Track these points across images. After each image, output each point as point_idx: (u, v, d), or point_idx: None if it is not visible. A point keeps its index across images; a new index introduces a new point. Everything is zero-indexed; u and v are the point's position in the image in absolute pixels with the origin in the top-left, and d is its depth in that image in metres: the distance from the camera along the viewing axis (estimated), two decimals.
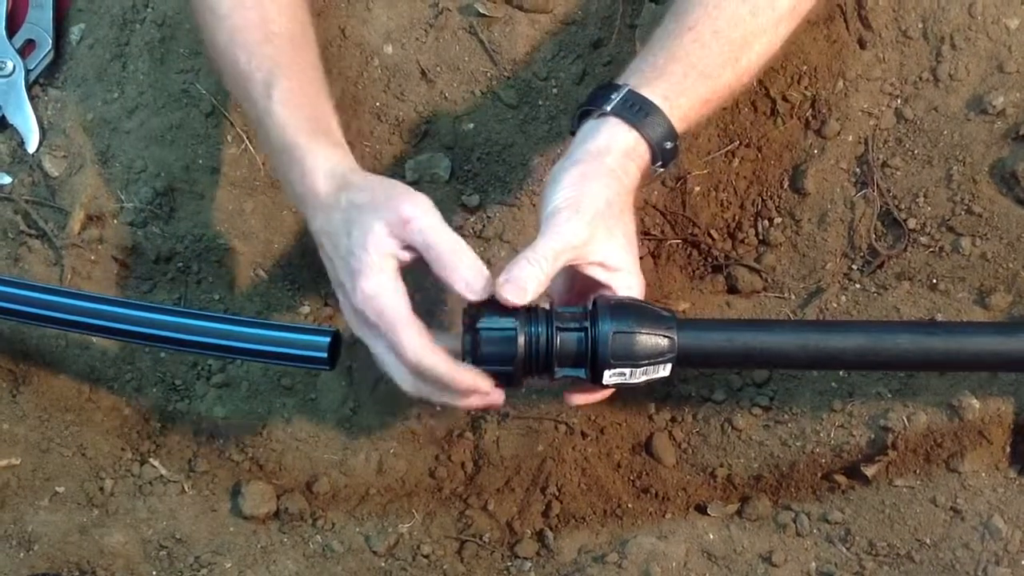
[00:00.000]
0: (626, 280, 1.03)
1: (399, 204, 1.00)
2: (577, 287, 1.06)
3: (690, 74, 1.07)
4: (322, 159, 1.05)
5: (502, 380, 1.01)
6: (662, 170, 1.09)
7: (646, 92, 1.06)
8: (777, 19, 1.11)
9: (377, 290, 0.99)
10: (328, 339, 1.11)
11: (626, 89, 1.06)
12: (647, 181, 1.09)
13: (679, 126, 1.07)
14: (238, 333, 1.14)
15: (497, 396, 1.02)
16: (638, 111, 1.05)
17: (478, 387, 1.00)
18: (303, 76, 1.12)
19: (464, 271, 0.99)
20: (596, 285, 1.04)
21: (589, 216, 1.00)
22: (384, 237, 0.99)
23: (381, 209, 1.00)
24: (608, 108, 1.05)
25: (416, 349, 0.98)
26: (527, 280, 0.98)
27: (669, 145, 1.06)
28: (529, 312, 1.00)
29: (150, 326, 1.15)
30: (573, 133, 1.10)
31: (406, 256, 1.01)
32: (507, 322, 0.99)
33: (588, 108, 1.08)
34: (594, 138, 1.05)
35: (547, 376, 1.01)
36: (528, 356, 0.99)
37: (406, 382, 1.02)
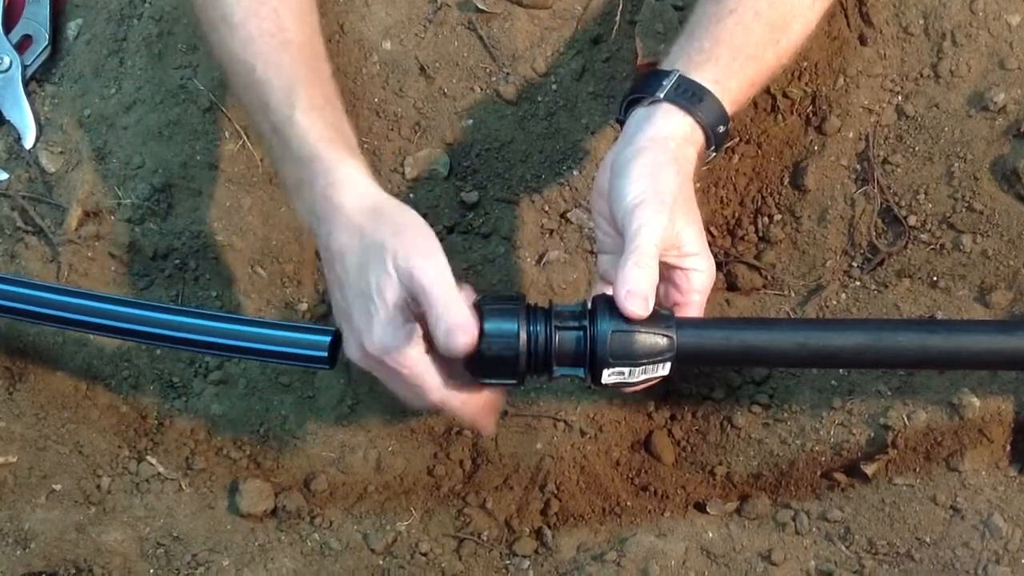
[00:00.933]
0: (701, 263, 1.04)
1: (412, 258, 0.98)
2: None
3: (737, 57, 1.08)
4: (354, 173, 1.03)
5: (504, 377, 1.01)
6: (714, 155, 1.09)
7: (696, 77, 1.06)
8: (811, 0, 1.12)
9: (395, 343, 0.98)
10: (329, 338, 1.11)
11: (677, 75, 1.06)
12: (701, 166, 1.10)
13: (730, 109, 1.07)
14: (238, 332, 1.13)
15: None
16: (691, 96, 1.05)
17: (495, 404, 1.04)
18: (324, 87, 1.10)
19: (448, 323, 0.96)
20: (670, 270, 1.04)
21: (670, 205, 1.00)
22: (397, 284, 0.98)
23: (399, 245, 0.98)
24: (661, 95, 1.05)
25: (442, 396, 1.00)
26: (645, 286, 0.98)
27: (722, 129, 1.07)
28: (528, 310, 1.00)
29: (149, 324, 1.14)
30: (620, 122, 1.10)
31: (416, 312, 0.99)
32: (509, 323, 0.99)
33: (638, 95, 1.08)
34: (652, 125, 1.05)
35: (546, 375, 1.00)
36: (527, 355, 0.99)
37: (422, 407, 1.04)
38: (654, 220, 0.99)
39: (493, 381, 1.02)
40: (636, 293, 0.97)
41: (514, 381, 1.01)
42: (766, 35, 1.09)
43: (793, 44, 1.12)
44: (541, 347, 0.98)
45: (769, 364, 1.23)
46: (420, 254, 0.98)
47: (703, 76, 1.06)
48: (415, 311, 0.98)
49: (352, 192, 1.02)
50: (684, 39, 1.11)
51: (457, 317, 0.95)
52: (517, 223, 1.33)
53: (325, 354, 1.10)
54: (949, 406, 1.19)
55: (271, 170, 1.33)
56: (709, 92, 1.06)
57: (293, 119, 1.05)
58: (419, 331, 0.99)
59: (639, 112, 1.07)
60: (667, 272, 1.04)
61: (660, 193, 1.01)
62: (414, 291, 0.97)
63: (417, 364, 0.99)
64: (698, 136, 1.06)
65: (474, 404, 1.03)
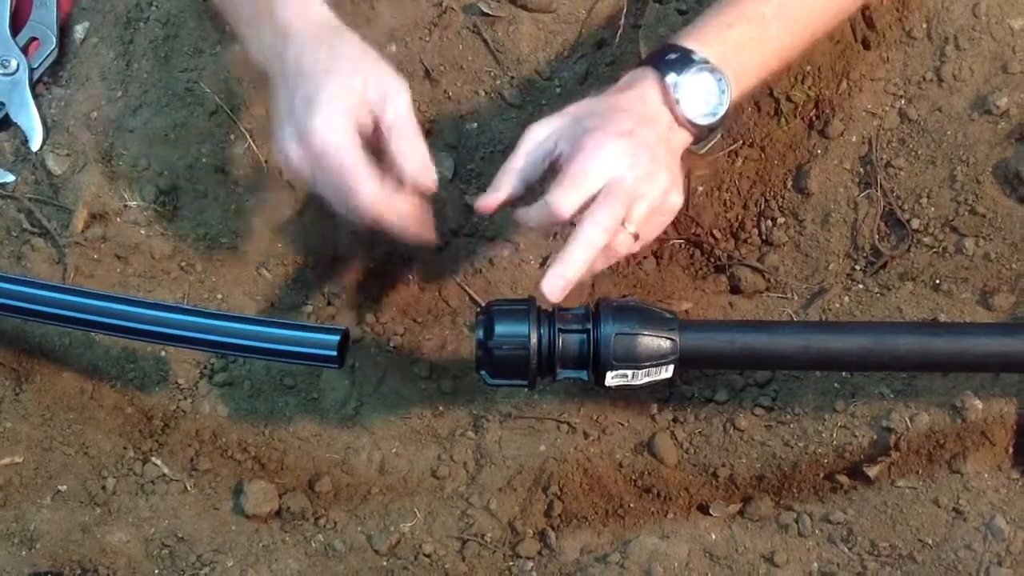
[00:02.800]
0: (596, 138, 1.02)
1: (386, 77, 1.03)
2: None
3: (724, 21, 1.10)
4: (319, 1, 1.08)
5: (514, 380, 1.02)
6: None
7: (680, 41, 1.08)
8: None
9: (343, 137, 1.01)
10: (338, 337, 1.11)
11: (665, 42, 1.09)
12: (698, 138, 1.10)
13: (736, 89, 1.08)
14: (247, 331, 1.14)
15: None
16: (666, 56, 1.07)
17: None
18: None
19: (414, 162, 1.03)
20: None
21: (559, 113, 1.04)
22: (357, 95, 1.01)
23: (367, 72, 1.03)
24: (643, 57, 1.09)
25: (373, 198, 1.02)
26: (498, 182, 1.04)
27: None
28: (536, 313, 1.01)
29: (157, 324, 1.14)
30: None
31: (364, 125, 1.03)
32: (520, 325, 0.99)
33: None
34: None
35: (549, 377, 1.01)
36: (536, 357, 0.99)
37: (353, 218, 1.05)
38: (532, 127, 1.04)
39: (503, 383, 1.03)
40: (491, 189, 1.04)
41: (524, 383, 1.01)
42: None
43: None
44: (545, 349, 0.99)
45: (772, 367, 1.23)
46: (395, 84, 1.03)
47: (685, 40, 1.08)
48: (367, 133, 1.02)
49: (312, 9, 1.07)
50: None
51: (426, 156, 1.03)
52: (521, 226, 1.33)
53: (335, 353, 1.11)
54: (951, 408, 1.20)
55: (276, 171, 1.34)
56: (683, 49, 1.07)
57: None
58: (360, 140, 1.02)
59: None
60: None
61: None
62: (388, 115, 1.02)
63: (356, 162, 1.01)
64: (647, 74, 1.07)
65: (402, 210, 1.05)
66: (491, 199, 1.04)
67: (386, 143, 1.04)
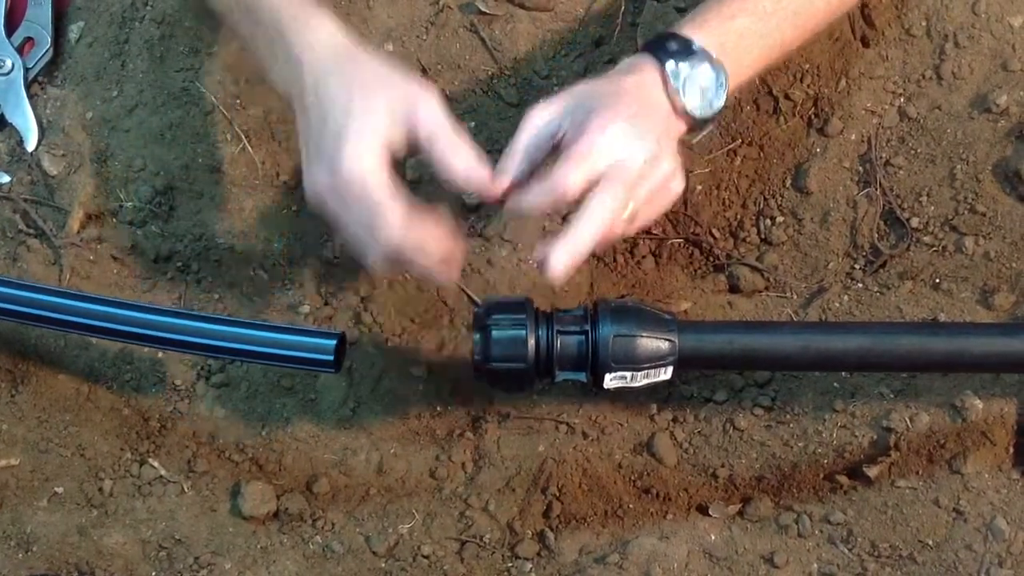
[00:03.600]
0: (599, 121, 1.00)
1: (409, 88, 1.00)
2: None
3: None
4: (328, 21, 1.05)
5: (512, 383, 1.01)
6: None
7: (681, 30, 1.07)
8: None
9: (369, 166, 0.97)
10: (334, 342, 1.10)
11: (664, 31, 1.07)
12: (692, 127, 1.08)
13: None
14: (242, 335, 1.13)
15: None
16: (667, 44, 1.05)
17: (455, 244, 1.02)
18: None
19: (459, 165, 0.99)
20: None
21: (560, 95, 1.01)
22: (385, 117, 0.98)
23: (388, 92, 0.99)
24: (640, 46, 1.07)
25: (401, 233, 0.98)
26: (503, 165, 0.99)
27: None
28: (535, 316, 1.00)
29: (152, 327, 1.14)
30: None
31: (399, 143, 1.00)
32: (518, 324, 0.99)
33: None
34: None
35: (548, 379, 1.01)
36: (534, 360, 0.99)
37: (378, 262, 1.01)
38: (534, 109, 1.01)
39: (501, 386, 1.02)
40: (496, 173, 0.99)
41: (522, 386, 1.01)
42: None
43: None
44: (544, 352, 0.99)
45: (771, 367, 1.23)
46: (419, 92, 1.00)
47: (686, 29, 1.07)
48: (405, 153, 1.00)
49: (327, 33, 1.04)
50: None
51: (471, 154, 0.99)
52: (520, 225, 1.33)
53: (331, 357, 1.10)
54: (952, 408, 1.19)
55: (272, 172, 1.33)
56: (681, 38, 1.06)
57: None
58: (389, 166, 0.99)
59: None
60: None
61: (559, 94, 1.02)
62: (421, 126, 0.98)
63: (384, 194, 0.98)
64: (646, 61, 1.05)
65: (432, 247, 1.01)
66: (499, 182, 1.00)
67: (428, 156, 1.00)
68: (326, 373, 1.20)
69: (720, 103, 1.07)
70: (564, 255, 0.96)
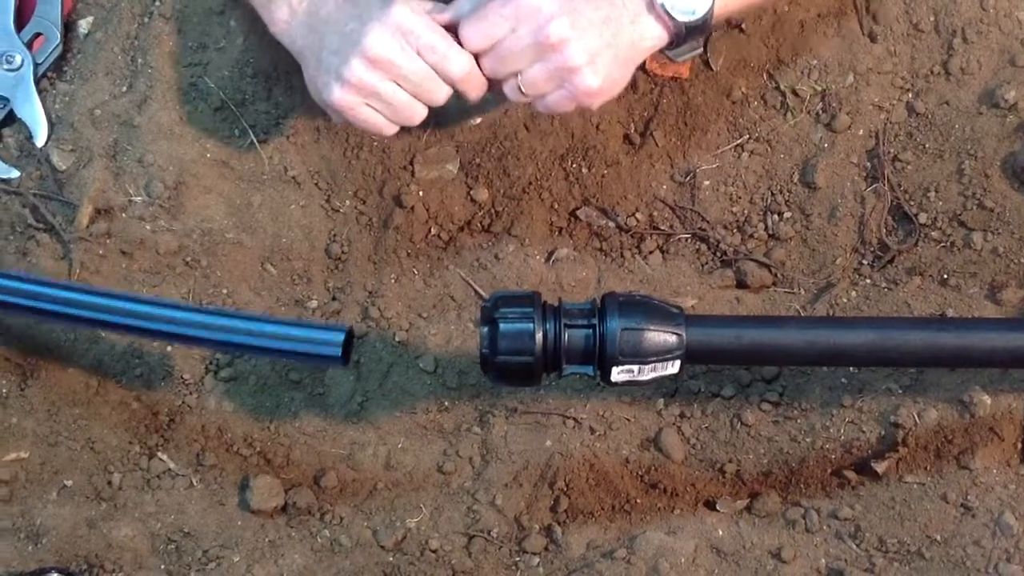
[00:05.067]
0: None
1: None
2: None
3: None
4: None
5: (520, 376, 1.01)
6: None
7: None
8: None
9: (418, 18, 1.08)
10: (342, 336, 1.10)
11: None
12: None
13: None
14: (250, 329, 1.13)
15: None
16: None
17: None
18: None
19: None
20: None
21: None
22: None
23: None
24: None
25: (467, 57, 1.08)
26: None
27: None
28: (543, 309, 1.00)
29: (161, 321, 1.14)
30: None
31: None
32: (526, 318, 0.99)
33: None
34: None
35: (555, 373, 1.01)
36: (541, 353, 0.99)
37: (443, 97, 1.12)
38: None
39: (508, 380, 1.02)
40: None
41: (529, 380, 1.01)
42: None
43: None
44: (551, 345, 0.99)
45: (779, 362, 1.23)
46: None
47: None
48: None
49: None
50: None
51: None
52: (526, 221, 1.33)
53: (339, 352, 1.10)
54: (960, 404, 1.19)
55: (279, 167, 1.33)
56: None
57: None
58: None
59: None
60: None
61: None
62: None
63: (441, 32, 1.08)
64: None
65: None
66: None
67: None
68: (334, 367, 1.20)
69: (704, 10, 1.04)
70: None
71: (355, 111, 1.11)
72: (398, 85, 1.10)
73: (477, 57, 1.09)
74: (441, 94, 1.11)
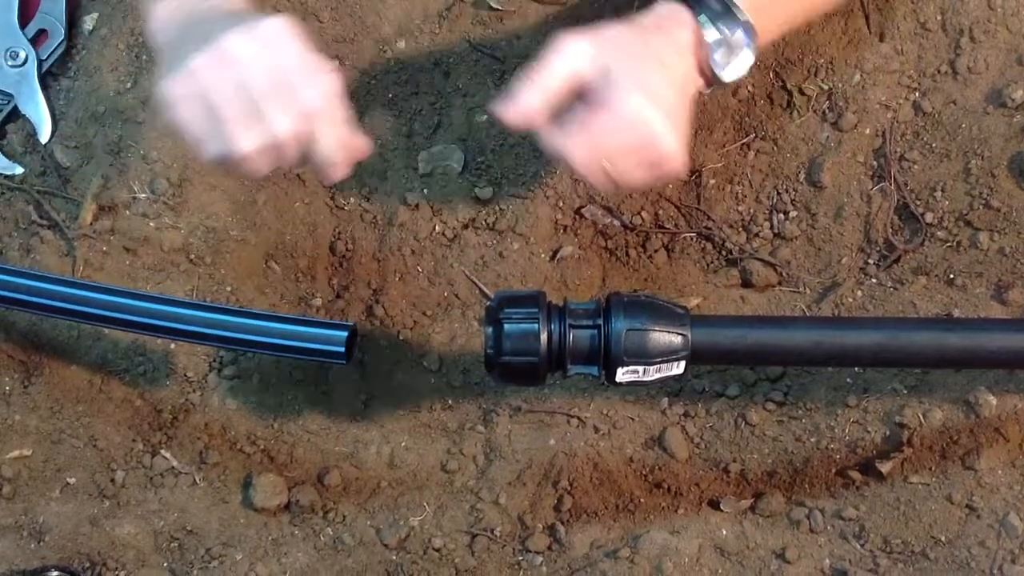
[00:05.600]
0: (615, 97, 0.98)
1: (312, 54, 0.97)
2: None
3: None
4: None
5: (524, 376, 1.01)
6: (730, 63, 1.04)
7: None
8: None
9: (286, 21, 0.95)
10: (346, 333, 1.11)
11: None
12: (703, 56, 1.05)
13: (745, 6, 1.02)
14: (254, 327, 1.13)
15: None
16: (716, 11, 1.02)
17: None
18: None
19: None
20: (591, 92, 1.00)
21: (596, 39, 0.99)
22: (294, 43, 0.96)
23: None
24: None
25: (325, 86, 0.95)
26: (526, 95, 0.97)
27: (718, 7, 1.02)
28: (545, 308, 1.00)
29: (165, 318, 1.14)
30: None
31: None
32: (530, 318, 0.99)
33: None
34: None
35: (560, 373, 1.01)
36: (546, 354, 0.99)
37: (285, 132, 0.94)
38: (566, 42, 0.98)
39: (513, 380, 1.02)
40: (514, 98, 0.97)
41: (534, 380, 1.01)
42: None
43: None
44: (556, 346, 0.99)
45: (784, 363, 1.23)
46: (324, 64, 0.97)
47: None
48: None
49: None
50: None
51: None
52: (531, 219, 1.33)
53: (342, 349, 1.11)
54: (965, 404, 1.19)
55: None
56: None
57: None
58: None
59: None
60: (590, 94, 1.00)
61: (589, 31, 0.99)
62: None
63: (312, 58, 0.95)
64: (684, 17, 1.02)
65: (344, 128, 0.98)
66: (514, 107, 0.98)
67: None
68: (336, 364, 1.20)
69: (747, 70, 1.04)
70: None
71: (180, 106, 0.94)
72: (236, 93, 0.93)
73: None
74: (279, 124, 0.93)
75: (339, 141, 0.97)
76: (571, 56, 0.99)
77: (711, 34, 1.02)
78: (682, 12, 1.03)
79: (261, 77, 0.93)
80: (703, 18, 1.02)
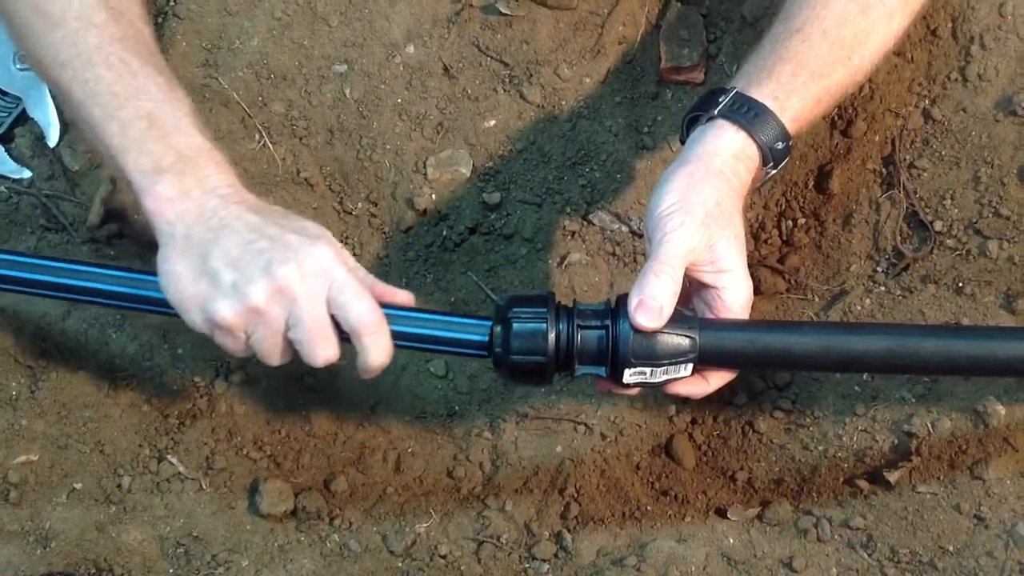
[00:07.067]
0: (735, 281, 1.02)
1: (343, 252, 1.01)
2: (683, 290, 1.03)
3: (800, 73, 1.06)
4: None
5: (532, 376, 1.01)
6: (774, 172, 1.08)
7: (755, 93, 1.05)
8: (888, 14, 1.09)
9: (337, 266, 0.98)
10: (489, 324, 1.04)
11: (734, 91, 1.06)
12: (759, 183, 1.08)
13: (791, 127, 1.06)
14: (412, 319, 1.05)
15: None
16: (747, 112, 1.04)
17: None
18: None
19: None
20: (702, 287, 1.03)
21: (700, 217, 1.00)
22: (335, 256, 1.00)
23: (334, 243, 1.01)
24: (716, 111, 1.04)
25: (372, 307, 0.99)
26: (660, 296, 0.98)
27: (780, 146, 1.05)
28: (554, 308, 1.00)
29: None
30: (683, 141, 1.09)
31: None
32: (539, 319, 0.99)
33: (696, 113, 1.08)
34: (703, 141, 1.04)
35: (568, 373, 1.01)
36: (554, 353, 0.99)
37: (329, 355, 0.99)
38: (680, 230, 0.99)
39: (521, 379, 1.02)
40: (648, 303, 0.97)
41: (541, 380, 1.01)
42: (835, 52, 1.07)
43: (868, 60, 1.10)
44: (564, 346, 0.99)
45: (792, 367, 1.22)
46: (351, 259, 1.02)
47: (762, 93, 1.05)
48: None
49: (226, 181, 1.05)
50: (750, 59, 1.10)
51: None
52: (539, 225, 1.33)
53: (485, 339, 1.03)
54: (974, 413, 1.18)
55: (292, 169, 1.33)
56: (766, 108, 1.04)
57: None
58: None
59: (696, 130, 1.07)
60: (700, 289, 1.03)
61: (690, 205, 1.00)
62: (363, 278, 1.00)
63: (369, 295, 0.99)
64: (752, 151, 1.05)
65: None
66: (655, 317, 0.98)
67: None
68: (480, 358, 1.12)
69: (785, 158, 1.08)
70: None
71: (230, 333, 0.99)
72: (284, 332, 0.98)
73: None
74: (318, 357, 0.98)
75: (381, 352, 1.00)
76: (681, 244, 1.00)
77: (770, 148, 1.05)
78: (745, 139, 1.04)
79: (313, 313, 0.97)
80: (763, 141, 1.04)
